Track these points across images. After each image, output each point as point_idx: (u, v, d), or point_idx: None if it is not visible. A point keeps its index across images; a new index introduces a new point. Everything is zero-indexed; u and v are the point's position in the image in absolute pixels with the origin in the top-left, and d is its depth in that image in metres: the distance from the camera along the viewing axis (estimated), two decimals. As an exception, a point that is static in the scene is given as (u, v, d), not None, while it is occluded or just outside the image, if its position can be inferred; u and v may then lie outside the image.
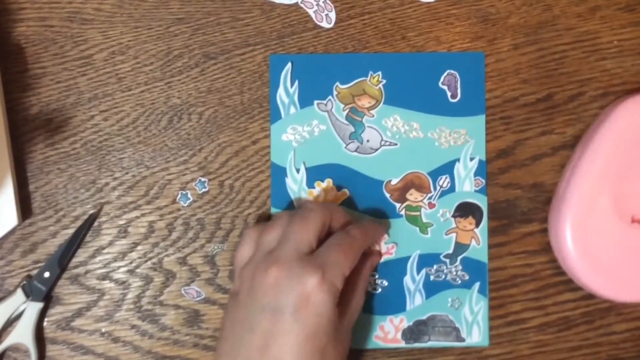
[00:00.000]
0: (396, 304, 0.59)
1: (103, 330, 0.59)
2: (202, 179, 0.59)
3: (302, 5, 0.60)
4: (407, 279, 0.59)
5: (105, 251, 0.59)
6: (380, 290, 0.59)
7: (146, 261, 0.59)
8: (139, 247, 0.59)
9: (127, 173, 0.59)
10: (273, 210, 0.59)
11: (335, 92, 0.59)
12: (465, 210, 0.59)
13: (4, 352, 0.58)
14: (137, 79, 0.60)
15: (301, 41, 0.60)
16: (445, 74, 0.60)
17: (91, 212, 0.59)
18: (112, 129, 0.59)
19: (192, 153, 0.59)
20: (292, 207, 0.59)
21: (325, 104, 0.59)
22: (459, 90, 0.60)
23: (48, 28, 0.59)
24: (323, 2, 0.60)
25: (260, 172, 0.59)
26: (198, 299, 0.59)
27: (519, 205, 0.60)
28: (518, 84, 0.60)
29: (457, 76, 0.60)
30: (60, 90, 0.59)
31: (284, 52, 0.60)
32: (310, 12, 0.60)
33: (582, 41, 0.61)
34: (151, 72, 0.60)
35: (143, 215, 0.59)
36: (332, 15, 0.60)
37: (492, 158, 0.60)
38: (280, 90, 0.59)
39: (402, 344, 0.59)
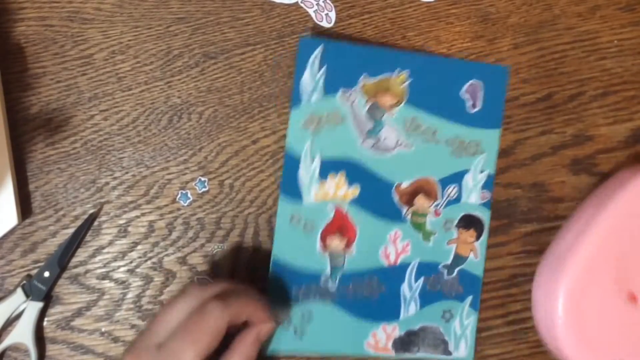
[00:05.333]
0: (391, 311, 0.59)
1: (103, 329, 0.59)
2: (202, 179, 0.59)
3: (302, 4, 0.60)
4: (404, 286, 0.59)
5: (105, 251, 0.59)
6: (377, 295, 0.59)
7: (146, 261, 0.59)
8: (139, 247, 0.59)
9: (127, 172, 0.59)
10: (282, 198, 0.57)
11: (360, 84, 0.58)
12: (468, 222, 0.59)
13: (4, 351, 0.58)
14: (137, 78, 0.60)
15: (301, 41, 0.60)
16: (469, 83, 0.59)
17: (91, 211, 0.59)
18: (112, 129, 0.59)
19: (192, 152, 0.59)
20: (299, 197, 0.57)
21: (349, 96, 0.58)
22: (479, 101, 0.59)
23: (48, 27, 0.59)
24: (323, 1, 0.60)
25: (260, 172, 0.60)
26: None
27: (519, 205, 0.60)
28: (518, 83, 0.60)
29: (481, 87, 0.59)
30: (60, 89, 0.59)
31: (284, 51, 0.60)
32: (310, 11, 0.60)
33: (582, 41, 0.61)
34: (151, 71, 0.60)
35: (143, 214, 0.59)
36: (332, 14, 0.60)
37: (492, 158, 0.60)
38: (306, 75, 0.57)
39: (392, 354, 0.58)
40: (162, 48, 0.60)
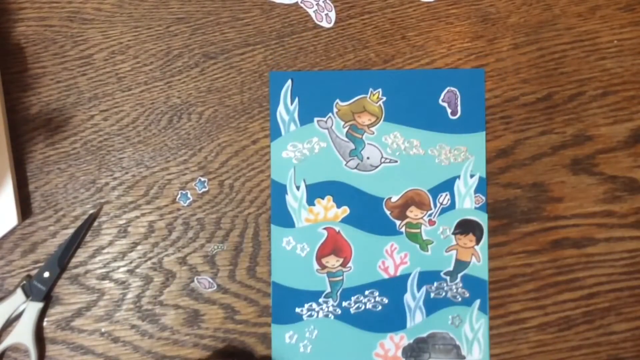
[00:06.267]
0: (396, 321, 0.59)
1: (103, 330, 0.59)
2: (202, 179, 0.59)
3: (302, 4, 0.60)
4: (407, 297, 0.59)
5: (105, 251, 0.59)
6: (380, 307, 0.59)
7: (146, 261, 0.59)
8: (139, 247, 0.59)
9: (127, 173, 0.59)
10: (273, 226, 0.59)
11: (335, 109, 0.59)
12: (466, 227, 0.59)
13: (4, 352, 0.58)
14: (137, 78, 0.60)
15: (301, 41, 0.60)
16: (446, 91, 0.60)
17: (91, 212, 0.59)
18: (112, 129, 0.59)
19: (192, 153, 0.59)
20: (291, 222, 0.59)
21: (326, 121, 0.59)
22: (459, 107, 0.60)
23: (48, 28, 0.59)
24: (323, 1, 0.60)
25: (260, 172, 0.60)
26: (210, 290, 0.59)
27: (519, 205, 0.60)
28: (518, 83, 0.60)
29: (457, 93, 0.60)
30: (60, 90, 0.59)
31: (284, 51, 0.60)
32: (310, 11, 0.60)
33: (582, 41, 0.61)
34: (151, 71, 0.60)
35: (143, 215, 0.59)
36: (332, 14, 0.60)
37: (492, 158, 0.60)
38: (280, 107, 0.59)
39: None
40: (162, 48, 0.60)
